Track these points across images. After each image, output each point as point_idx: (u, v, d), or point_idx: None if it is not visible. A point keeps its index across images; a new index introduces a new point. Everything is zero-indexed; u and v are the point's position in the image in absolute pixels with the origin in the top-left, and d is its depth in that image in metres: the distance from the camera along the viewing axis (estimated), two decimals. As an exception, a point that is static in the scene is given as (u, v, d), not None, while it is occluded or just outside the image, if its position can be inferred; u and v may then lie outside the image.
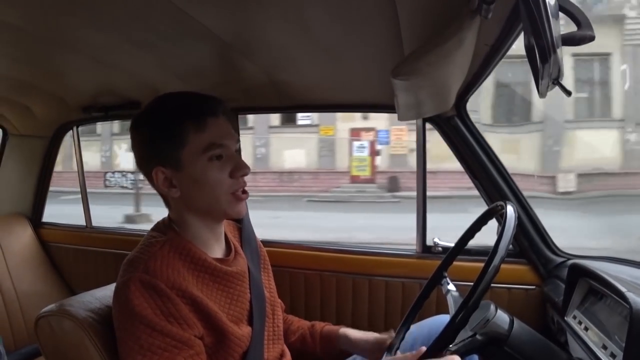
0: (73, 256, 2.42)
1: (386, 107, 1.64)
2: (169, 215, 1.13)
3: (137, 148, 1.08)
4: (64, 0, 1.06)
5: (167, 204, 1.13)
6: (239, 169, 1.06)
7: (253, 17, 1.11)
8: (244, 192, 1.09)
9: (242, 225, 1.35)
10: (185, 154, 1.03)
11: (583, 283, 1.30)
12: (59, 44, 1.36)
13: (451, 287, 1.25)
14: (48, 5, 1.09)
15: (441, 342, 0.94)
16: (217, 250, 1.14)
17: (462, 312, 0.93)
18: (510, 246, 0.98)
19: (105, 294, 1.14)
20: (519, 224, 1.57)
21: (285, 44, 1.25)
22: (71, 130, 2.41)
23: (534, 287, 1.62)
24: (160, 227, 1.12)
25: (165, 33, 1.23)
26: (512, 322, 1.05)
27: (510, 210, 1.06)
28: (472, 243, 1.32)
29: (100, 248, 2.35)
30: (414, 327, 1.31)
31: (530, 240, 1.63)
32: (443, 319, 1.32)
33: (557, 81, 0.66)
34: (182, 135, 1.02)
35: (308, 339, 1.35)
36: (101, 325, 1.05)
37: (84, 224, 2.48)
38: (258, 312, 1.17)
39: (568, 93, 0.68)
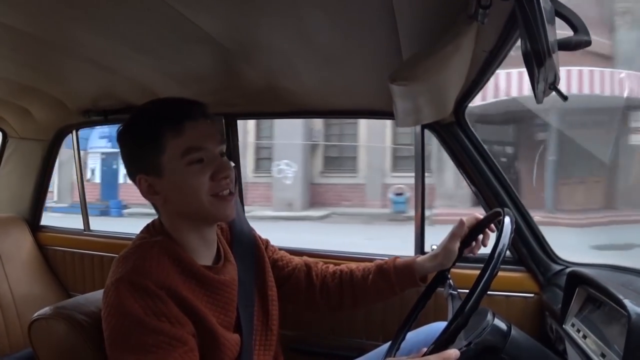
0: (70, 260, 2.41)
1: (385, 113, 1.63)
2: (159, 217, 1.13)
3: (123, 157, 1.09)
4: (64, 4, 1.06)
5: (156, 209, 1.12)
6: (221, 171, 1.04)
7: (252, 22, 1.11)
8: (230, 193, 1.07)
9: (232, 224, 1.31)
10: (165, 160, 1.02)
11: (581, 291, 1.29)
12: (59, 48, 1.36)
13: (453, 290, 1.25)
14: (49, 8, 1.09)
15: (436, 350, 0.93)
16: (206, 257, 1.13)
17: (457, 320, 0.92)
18: (509, 254, 0.98)
19: (100, 297, 1.13)
20: (518, 231, 1.57)
21: (284, 49, 1.26)
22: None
23: (532, 295, 1.61)
24: (150, 229, 1.12)
25: (165, 37, 1.23)
26: (509, 330, 1.05)
27: (507, 217, 1.06)
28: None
29: (98, 252, 2.34)
30: (410, 334, 1.30)
31: (529, 248, 1.62)
32: (440, 325, 1.31)
33: (553, 86, 0.66)
34: (160, 142, 1.02)
35: (386, 272, 1.32)
36: (95, 328, 1.04)
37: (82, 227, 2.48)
38: (245, 320, 1.15)
39: (564, 98, 0.68)
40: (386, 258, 1.41)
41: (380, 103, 1.60)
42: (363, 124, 12.56)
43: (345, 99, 1.70)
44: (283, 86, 1.57)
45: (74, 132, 2.37)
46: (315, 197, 12.88)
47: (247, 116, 2.01)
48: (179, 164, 1.02)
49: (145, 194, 1.06)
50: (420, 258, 1.32)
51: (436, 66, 0.88)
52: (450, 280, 1.29)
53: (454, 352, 0.88)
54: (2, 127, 2.44)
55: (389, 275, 1.32)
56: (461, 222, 1.28)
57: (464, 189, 10.46)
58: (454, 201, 11.06)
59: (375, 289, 1.33)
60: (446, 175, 11.40)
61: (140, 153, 1.05)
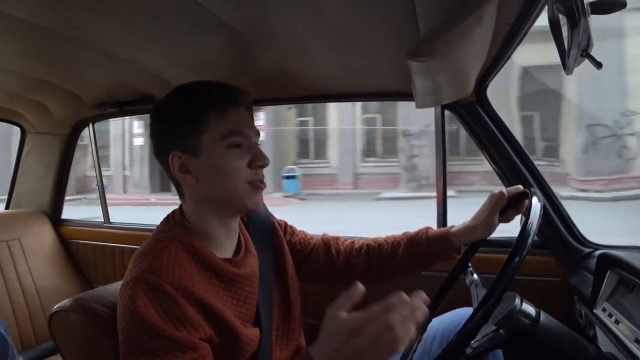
0: (92, 252, 2.44)
1: (403, 95, 1.59)
2: (181, 207, 1.11)
3: (156, 134, 1.07)
4: None
5: (181, 194, 1.10)
6: (258, 159, 1.04)
7: (264, 4, 1.08)
8: (262, 182, 1.06)
9: None
10: (205, 140, 1.02)
11: (613, 274, 1.24)
12: (72, 40, 1.36)
13: (475, 277, 1.21)
14: (59, 0, 1.08)
15: (463, 338, 0.90)
16: (227, 249, 1.10)
17: (484, 306, 0.89)
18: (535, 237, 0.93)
19: (119, 288, 1.12)
20: (544, 213, 1.52)
21: (298, 31, 1.22)
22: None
23: (559, 279, 1.56)
24: (170, 220, 1.09)
25: (176, 24, 1.21)
26: (538, 315, 1.01)
27: (535, 198, 1.01)
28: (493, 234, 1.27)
29: (118, 244, 2.36)
30: (436, 320, 1.27)
31: (555, 230, 1.57)
32: (466, 311, 1.27)
33: (586, 52, 0.61)
34: (203, 121, 1.01)
35: (419, 244, 1.27)
36: (115, 319, 1.03)
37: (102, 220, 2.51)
38: (265, 313, 1.12)
39: (599, 65, 0.62)
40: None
41: (398, 84, 1.56)
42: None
43: (362, 81, 1.66)
44: (298, 70, 1.53)
45: (91, 125, 2.39)
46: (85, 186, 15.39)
47: (262, 102, 1.98)
48: (219, 145, 1.01)
49: (177, 172, 1.04)
50: (455, 229, 1.26)
51: (457, 40, 0.83)
52: (471, 269, 1.24)
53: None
54: (21, 122, 2.47)
55: (422, 247, 1.26)
56: (502, 194, 1.20)
57: (145, 178, 15.24)
58: (139, 188, 15.17)
59: (406, 262, 1.28)
60: (136, 168, 15.60)
61: (179, 130, 1.03)
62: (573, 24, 0.54)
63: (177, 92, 1.08)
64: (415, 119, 12.44)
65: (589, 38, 0.58)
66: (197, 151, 1.02)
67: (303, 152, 15.88)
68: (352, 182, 14.53)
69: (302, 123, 15.92)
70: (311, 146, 15.79)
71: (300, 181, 14.52)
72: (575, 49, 0.58)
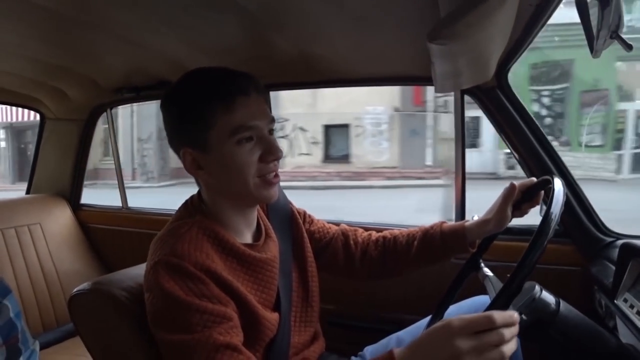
0: (110, 237, 2.48)
1: (423, 79, 1.56)
2: (200, 192, 1.10)
3: (166, 127, 1.05)
4: None
5: (198, 183, 1.10)
6: (270, 153, 1.01)
7: None
8: (276, 176, 1.04)
9: None
10: (212, 137, 0.98)
11: (635, 264, 1.21)
12: (88, 25, 1.36)
13: (488, 272, 1.19)
14: None
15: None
16: (246, 235, 1.10)
17: (504, 293, 0.87)
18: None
19: (138, 272, 1.13)
20: (565, 201, 1.49)
21: (315, 13, 1.20)
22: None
23: (579, 268, 1.53)
24: (189, 207, 1.09)
25: (191, 7, 1.20)
26: (558, 304, 0.99)
27: (558, 184, 0.99)
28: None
29: (137, 228, 2.39)
30: (452, 308, 1.26)
31: (576, 219, 1.53)
32: (484, 299, 1.26)
33: (616, 34, 0.58)
34: (209, 117, 0.97)
35: (433, 237, 1.26)
36: (133, 303, 1.04)
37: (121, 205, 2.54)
38: (284, 298, 1.13)
39: (629, 47, 0.59)
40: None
41: (417, 68, 1.52)
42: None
43: (380, 65, 1.62)
44: (315, 53, 1.51)
45: (108, 110, 2.40)
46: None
47: (278, 87, 1.96)
48: (228, 141, 0.98)
49: (189, 168, 1.03)
50: (469, 223, 1.25)
51: (478, 21, 0.81)
52: (483, 266, 1.22)
53: (515, 313, 0.79)
54: (39, 108, 2.50)
55: (436, 241, 1.26)
56: (513, 186, 1.18)
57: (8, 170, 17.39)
58: (4, 178, 16.78)
59: (420, 256, 1.27)
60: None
61: (187, 126, 1.01)
62: (604, 3, 0.51)
63: (182, 86, 1.03)
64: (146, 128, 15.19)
65: (619, 18, 0.55)
66: (206, 148, 1.00)
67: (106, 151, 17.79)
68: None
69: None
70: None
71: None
72: (605, 30, 0.55)
